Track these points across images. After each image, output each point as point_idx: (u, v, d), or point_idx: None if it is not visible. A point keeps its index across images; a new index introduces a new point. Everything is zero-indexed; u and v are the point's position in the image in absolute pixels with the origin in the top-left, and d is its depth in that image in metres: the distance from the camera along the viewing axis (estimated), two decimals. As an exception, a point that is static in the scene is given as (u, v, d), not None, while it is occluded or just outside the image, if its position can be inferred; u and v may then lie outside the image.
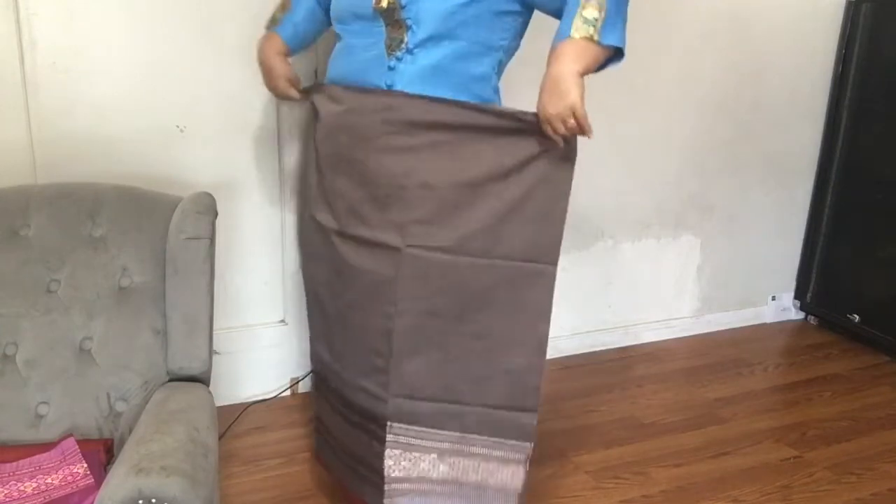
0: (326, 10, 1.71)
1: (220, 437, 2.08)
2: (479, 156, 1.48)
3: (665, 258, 2.88)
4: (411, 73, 1.48)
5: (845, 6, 2.86)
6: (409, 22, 1.45)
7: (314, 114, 1.72)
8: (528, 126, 1.44)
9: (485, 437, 1.59)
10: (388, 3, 1.45)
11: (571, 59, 1.36)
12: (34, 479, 1.35)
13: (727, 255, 2.99)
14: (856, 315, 2.92)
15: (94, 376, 1.51)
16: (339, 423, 1.74)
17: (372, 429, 1.62)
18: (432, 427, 1.59)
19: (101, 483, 1.28)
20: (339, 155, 1.62)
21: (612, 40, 1.38)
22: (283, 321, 2.38)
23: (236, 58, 2.08)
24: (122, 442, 1.45)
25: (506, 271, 1.52)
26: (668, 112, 2.70)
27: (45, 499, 1.32)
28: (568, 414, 2.39)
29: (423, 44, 1.46)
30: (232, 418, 2.25)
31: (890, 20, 2.75)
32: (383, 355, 1.56)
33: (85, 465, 1.39)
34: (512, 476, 1.61)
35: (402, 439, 1.59)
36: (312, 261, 1.77)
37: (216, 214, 1.62)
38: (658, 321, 2.93)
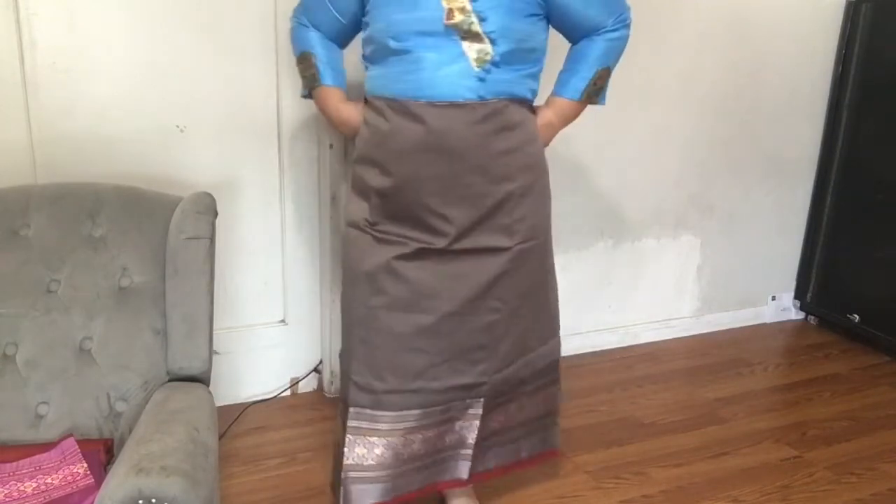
0: (349, 25, 1.69)
1: (220, 437, 2.08)
2: (540, 149, 1.72)
3: (665, 258, 2.88)
4: (500, 82, 1.56)
5: (845, 6, 2.86)
6: (492, 36, 1.52)
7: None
8: None
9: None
10: (461, 17, 1.50)
11: (567, 119, 1.75)
12: (34, 479, 1.35)
13: (727, 255, 2.99)
14: (856, 315, 2.92)
15: (94, 376, 1.51)
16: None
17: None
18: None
19: (101, 483, 1.28)
20: (428, 175, 1.59)
21: (603, 102, 1.75)
22: (283, 321, 2.38)
23: (236, 58, 2.09)
24: (122, 442, 1.45)
25: (547, 241, 1.80)
26: (669, 112, 2.70)
27: (45, 499, 1.32)
28: (568, 414, 2.38)
29: (506, 55, 1.55)
30: (232, 418, 2.25)
31: (890, 20, 2.75)
32: (485, 347, 1.70)
33: (85, 465, 1.39)
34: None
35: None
36: (377, 291, 1.64)
37: (216, 214, 1.62)
38: (658, 321, 2.93)
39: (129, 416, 1.50)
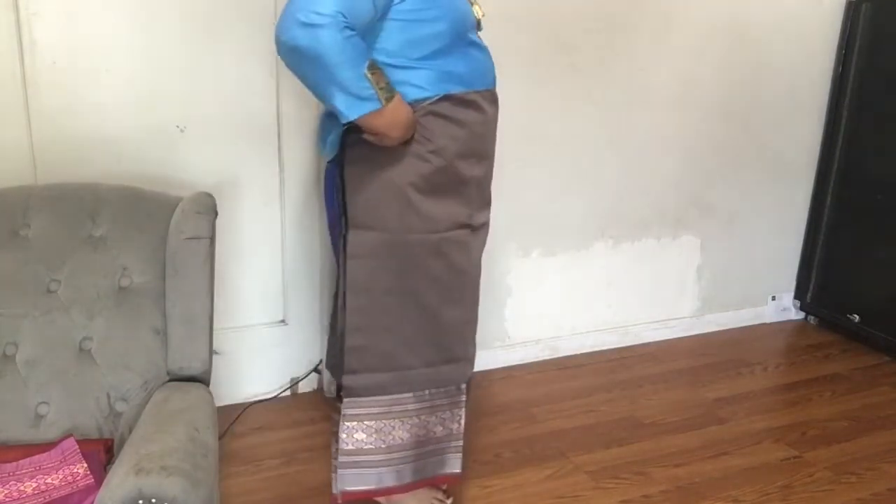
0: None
1: (220, 437, 2.08)
2: None
3: (665, 258, 2.88)
4: None
5: (845, 6, 2.86)
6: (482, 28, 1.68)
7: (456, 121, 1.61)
8: None
9: None
10: (482, 15, 1.67)
11: None
12: (34, 479, 1.35)
13: (727, 255, 2.99)
14: (856, 315, 2.92)
15: (94, 376, 1.51)
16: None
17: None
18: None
19: (101, 483, 1.28)
20: (493, 153, 1.74)
21: None
22: (283, 321, 2.38)
23: (236, 58, 2.08)
24: (123, 442, 1.45)
25: None
26: (668, 112, 2.70)
27: (45, 499, 1.32)
28: (568, 414, 2.39)
29: None
30: (232, 418, 2.25)
31: (890, 20, 2.75)
32: (475, 321, 1.81)
33: (85, 465, 1.39)
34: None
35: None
36: (462, 271, 1.72)
37: (216, 214, 1.62)
38: (658, 321, 2.93)
39: (129, 416, 1.49)
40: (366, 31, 1.46)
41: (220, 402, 1.82)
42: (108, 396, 1.51)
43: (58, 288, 1.54)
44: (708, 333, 3.01)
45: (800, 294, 3.16)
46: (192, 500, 1.13)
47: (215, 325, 1.61)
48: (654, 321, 2.92)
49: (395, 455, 1.73)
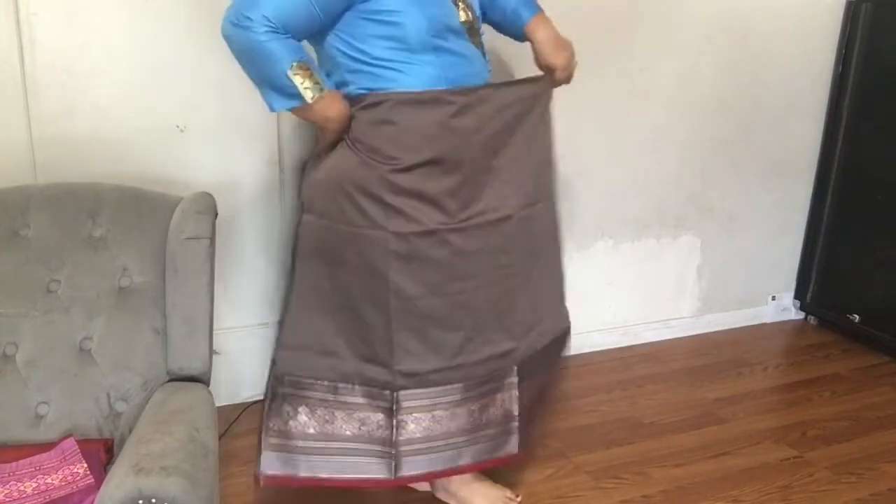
0: (325, 23, 1.56)
1: (220, 437, 2.08)
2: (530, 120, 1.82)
3: (665, 258, 2.88)
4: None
5: (845, 6, 2.86)
6: (481, 32, 1.72)
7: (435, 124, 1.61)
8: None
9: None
10: (467, 18, 1.66)
11: (551, 24, 1.85)
12: (34, 479, 1.36)
13: (727, 255, 2.99)
14: (856, 315, 2.92)
15: (94, 376, 1.51)
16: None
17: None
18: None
19: (101, 483, 1.28)
20: (486, 153, 1.69)
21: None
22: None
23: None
24: (122, 442, 1.45)
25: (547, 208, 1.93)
26: (668, 112, 2.70)
27: (45, 499, 1.32)
28: (568, 414, 2.39)
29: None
30: (232, 418, 2.25)
31: (890, 20, 2.75)
32: (508, 314, 1.76)
33: (85, 465, 1.39)
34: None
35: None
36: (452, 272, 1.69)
37: (216, 214, 1.62)
38: (658, 321, 2.93)
39: (129, 416, 1.50)
40: (311, 27, 1.52)
41: (220, 402, 1.82)
42: (108, 396, 1.51)
43: (58, 288, 1.54)
44: (708, 333, 3.01)
45: (800, 294, 3.16)
46: (192, 500, 1.13)
47: (215, 325, 1.61)
48: (654, 321, 2.92)
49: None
